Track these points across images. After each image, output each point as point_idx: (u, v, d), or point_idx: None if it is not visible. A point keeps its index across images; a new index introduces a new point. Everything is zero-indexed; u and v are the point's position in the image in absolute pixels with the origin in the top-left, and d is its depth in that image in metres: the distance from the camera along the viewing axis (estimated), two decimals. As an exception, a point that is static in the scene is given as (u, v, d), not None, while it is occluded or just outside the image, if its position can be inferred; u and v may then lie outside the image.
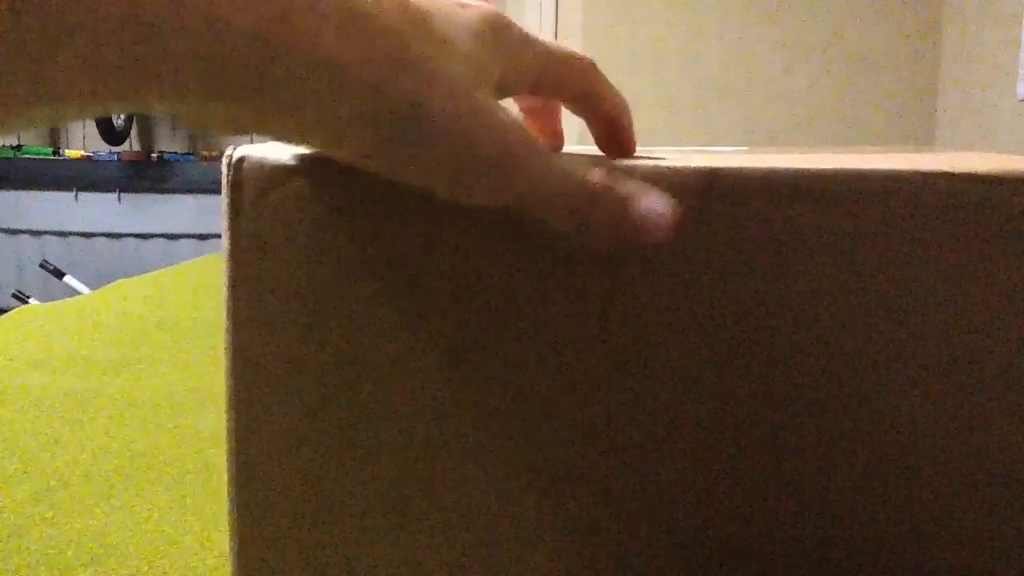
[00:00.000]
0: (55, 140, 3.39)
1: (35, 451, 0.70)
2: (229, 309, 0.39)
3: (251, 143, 0.41)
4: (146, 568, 0.52)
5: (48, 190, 3.09)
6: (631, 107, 2.01)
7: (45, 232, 3.12)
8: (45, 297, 2.82)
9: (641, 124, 2.31)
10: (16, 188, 3.09)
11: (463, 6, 0.35)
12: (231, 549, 0.41)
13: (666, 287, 0.37)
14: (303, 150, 0.38)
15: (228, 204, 0.38)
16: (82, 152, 3.17)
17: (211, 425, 0.77)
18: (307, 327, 0.38)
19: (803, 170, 0.36)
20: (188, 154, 3.21)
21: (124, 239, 3.12)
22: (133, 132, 3.28)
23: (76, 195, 3.09)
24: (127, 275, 1.52)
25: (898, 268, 0.36)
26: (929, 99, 2.34)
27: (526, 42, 0.36)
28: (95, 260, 3.11)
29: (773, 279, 0.37)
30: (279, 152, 0.38)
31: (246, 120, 0.30)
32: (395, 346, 0.38)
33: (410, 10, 0.32)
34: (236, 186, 0.38)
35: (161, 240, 3.11)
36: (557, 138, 0.45)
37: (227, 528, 0.41)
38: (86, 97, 0.26)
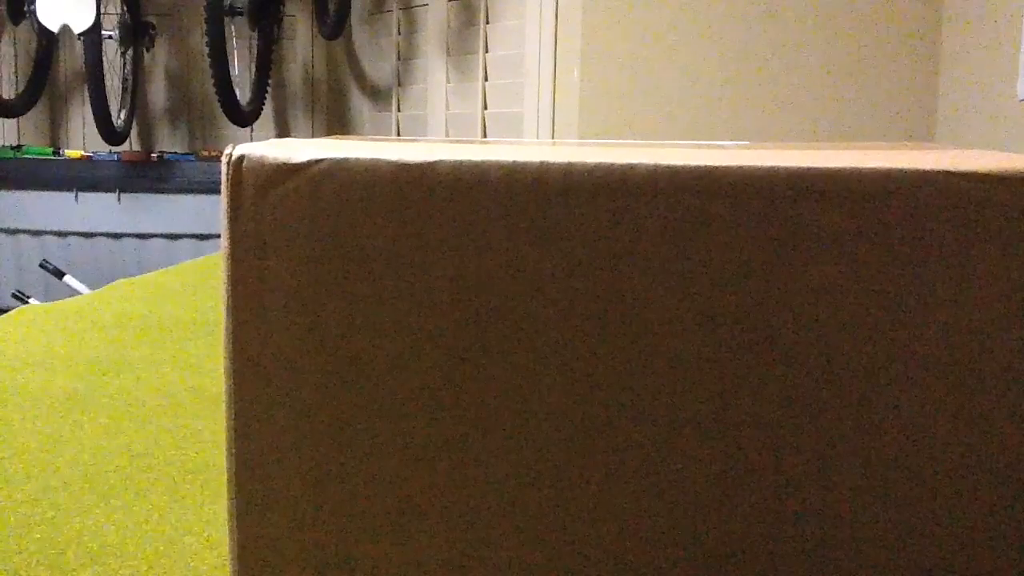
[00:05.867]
0: (55, 140, 3.38)
1: (35, 451, 0.70)
2: (229, 309, 0.39)
3: (251, 141, 0.41)
4: (146, 568, 0.52)
5: (48, 190, 3.08)
6: (632, 106, 2.00)
7: (45, 232, 3.11)
8: (45, 297, 2.82)
9: (641, 123, 2.31)
10: (16, 188, 3.08)
11: None
12: (231, 549, 0.41)
13: (666, 287, 0.37)
14: (303, 149, 0.38)
15: (228, 203, 0.38)
16: (82, 152, 3.16)
17: (211, 425, 0.77)
18: (307, 327, 0.38)
19: (803, 169, 0.36)
20: (188, 154, 3.20)
21: (124, 239, 3.11)
22: (133, 132, 3.27)
23: (76, 195, 3.09)
24: (127, 275, 1.52)
25: (898, 268, 0.36)
26: (929, 99, 2.34)
27: None
28: (95, 260, 3.10)
29: (773, 279, 0.37)
30: (279, 151, 0.38)
31: None
32: (395, 346, 0.38)
33: None
34: (236, 185, 0.38)
35: (161, 240, 3.10)
36: None
37: (227, 528, 0.41)
38: None
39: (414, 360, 0.38)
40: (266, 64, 3.11)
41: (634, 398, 0.38)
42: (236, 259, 0.39)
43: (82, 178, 3.08)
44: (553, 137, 2.33)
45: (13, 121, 3.29)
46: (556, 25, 2.36)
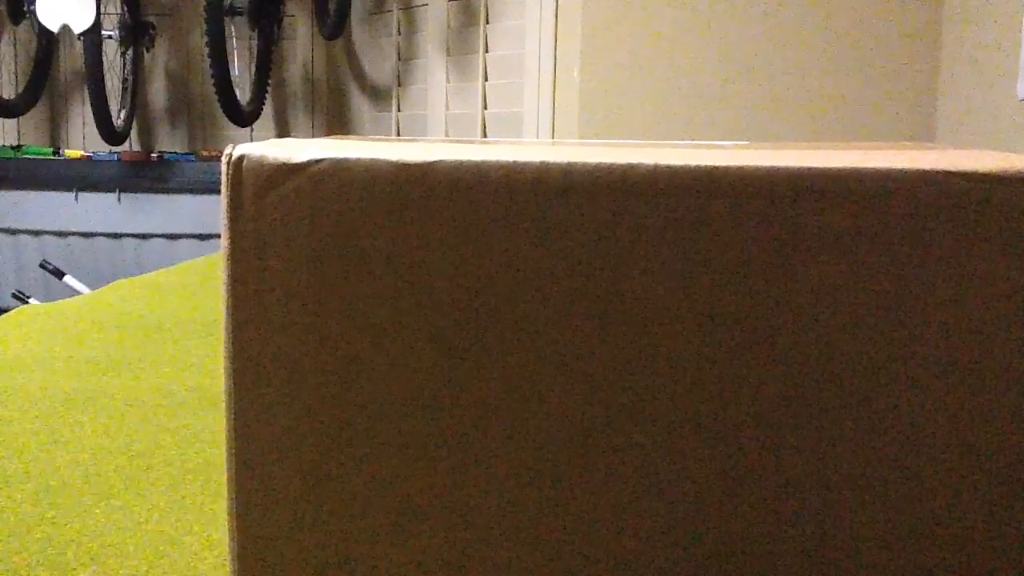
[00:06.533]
0: (55, 140, 3.38)
1: (35, 451, 0.70)
2: (229, 309, 0.39)
3: (251, 142, 0.41)
4: (146, 568, 0.52)
5: (48, 190, 3.08)
6: (631, 106, 2.00)
7: (45, 232, 3.11)
8: (45, 297, 2.82)
9: (640, 124, 2.31)
10: (16, 188, 3.08)
11: None
12: (231, 549, 0.41)
13: (666, 287, 0.37)
14: (303, 149, 0.38)
15: (228, 203, 0.38)
16: (82, 152, 3.16)
17: (211, 425, 0.77)
18: (307, 327, 0.38)
19: (803, 169, 0.36)
20: (188, 154, 3.20)
21: (124, 239, 3.11)
22: (133, 132, 3.27)
23: (76, 195, 3.09)
24: (127, 275, 1.52)
25: (898, 268, 0.36)
26: (929, 99, 2.34)
27: None
28: (95, 260, 3.10)
29: (773, 279, 0.37)
30: (279, 151, 0.38)
31: None
32: (395, 346, 0.38)
33: None
34: (236, 185, 0.38)
35: (161, 240, 3.10)
36: None
37: (227, 528, 0.41)
38: None
39: (414, 360, 0.38)
40: (266, 64, 3.11)
41: (634, 398, 0.38)
42: (236, 259, 0.39)
43: (82, 178, 3.08)
44: (553, 137, 2.33)
45: (13, 121, 3.29)
46: (556, 25, 2.36)
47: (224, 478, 0.62)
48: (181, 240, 3.09)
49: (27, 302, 2.75)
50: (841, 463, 0.38)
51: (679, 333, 0.37)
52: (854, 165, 0.36)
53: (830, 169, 0.36)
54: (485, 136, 2.64)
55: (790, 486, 0.38)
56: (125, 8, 3.01)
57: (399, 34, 3.00)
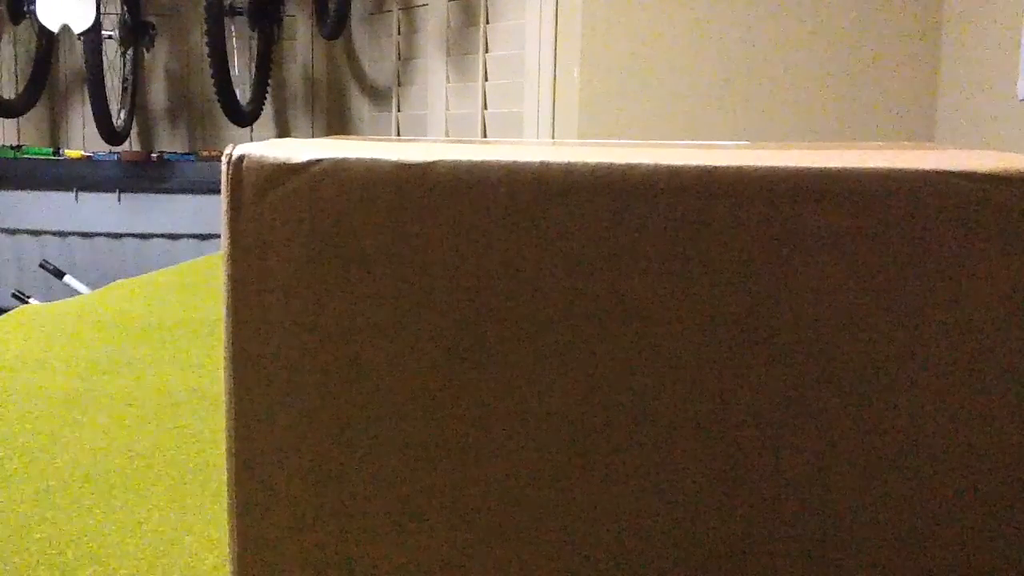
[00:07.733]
0: (55, 140, 3.38)
1: (35, 451, 0.70)
2: (229, 309, 0.39)
3: (251, 142, 0.41)
4: (146, 568, 0.52)
5: (48, 190, 3.08)
6: (631, 106, 2.00)
7: (45, 232, 3.11)
8: (45, 297, 2.82)
9: (641, 124, 2.31)
10: (16, 188, 3.08)
11: None
12: (231, 549, 0.41)
13: (666, 287, 0.37)
14: (303, 149, 0.38)
15: (228, 203, 0.38)
16: (82, 152, 3.16)
17: (211, 425, 0.77)
18: (307, 327, 0.38)
19: (803, 169, 0.36)
20: (188, 154, 3.20)
21: (124, 239, 3.11)
22: (133, 132, 3.27)
23: (76, 195, 3.09)
24: (127, 275, 1.52)
25: (898, 268, 0.36)
26: (929, 99, 2.34)
27: None
28: (95, 260, 3.10)
29: (773, 279, 0.37)
30: (279, 151, 0.38)
31: None
32: (395, 346, 0.38)
33: None
34: (236, 185, 0.38)
35: (161, 240, 3.10)
36: None
37: (227, 528, 0.41)
38: None
39: (414, 360, 0.38)
40: (266, 64, 3.11)
41: (634, 398, 0.38)
42: (236, 259, 0.39)
43: (82, 178, 3.08)
44: (553, 137, 2.33)
45: (13, 121, 3.29)
46: (556, 25, 2.36)
47: (224, 478, 0.62)
48: (181, 240, 3.09)
49: (27, 302, 2.75)
50: (841, 463, 0.38)
51: (679, 333, 0.37)
52: (854, 165, 0.36)
53: (830, 169, 0.36)
54: (485, 136, 2.64)
55: (790, 486, 0.38)
56: (125, 8, 3.01)
57: (399, 34, 3.00)
